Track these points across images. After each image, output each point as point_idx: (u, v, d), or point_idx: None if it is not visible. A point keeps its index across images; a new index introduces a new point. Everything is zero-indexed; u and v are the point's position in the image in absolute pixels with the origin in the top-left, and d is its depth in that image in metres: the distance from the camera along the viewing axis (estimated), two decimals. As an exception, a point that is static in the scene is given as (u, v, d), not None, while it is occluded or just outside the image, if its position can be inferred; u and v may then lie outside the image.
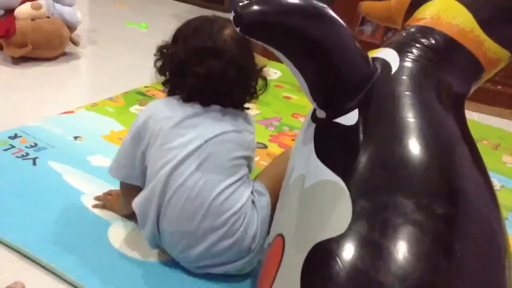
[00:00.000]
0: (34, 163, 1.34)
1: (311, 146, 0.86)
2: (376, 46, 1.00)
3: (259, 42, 0.82)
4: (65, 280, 0.98)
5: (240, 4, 0.76)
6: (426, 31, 0.95)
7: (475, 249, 0.69)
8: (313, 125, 0.89)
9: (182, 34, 1.06)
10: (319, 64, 0.82)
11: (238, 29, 0.78)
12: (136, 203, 1.03)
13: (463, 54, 0.94)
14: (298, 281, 0.69)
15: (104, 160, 1.39)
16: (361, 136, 0.80)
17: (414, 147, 0.76)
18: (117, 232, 1.12)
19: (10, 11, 2.05)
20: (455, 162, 0.78)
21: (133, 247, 1.08)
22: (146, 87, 1.92)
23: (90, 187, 1.27)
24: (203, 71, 1.00)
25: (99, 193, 1.24)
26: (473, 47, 0.94)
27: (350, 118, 0.82)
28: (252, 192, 1.03)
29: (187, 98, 1.04)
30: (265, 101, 2.00)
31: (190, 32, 1.05)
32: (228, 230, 0.98)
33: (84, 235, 1.10)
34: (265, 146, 1.62)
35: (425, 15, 0.99)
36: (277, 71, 2.33)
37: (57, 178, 1.29)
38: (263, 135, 1.69)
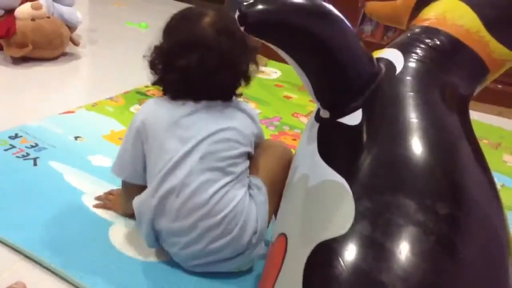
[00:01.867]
0: (35, 163, 1.34)
1: (314, 146, 0.85)
2: (376, 45, 1.00)
3: (263, 41, 0.81)
4: (66, 280, 0.98)
5: (245, 3, 0.76)
6: (431, 31, 0.95)
7: (478, 249, 0.69)
8: (317, 125, 0.89)
9: (166, 30, 1.05)
10: (324, 63, 0.82)
11: (242, 28, 0.77)
12: (136, 202, 1.03)
13: (468, 55, 0.94)
14: (300, 280, 0.69)
15: (104, 159, 1.39)
16: (364, 136, 0.80)
17: (418, 147, 0.76)
18: (118, 232, 1.12)
19: (10, 11, 2.05)
20: (459, 162, 0.78)
21: (134, 247, 1.08)
22: (146, 86, 1.92)
23: (91, 187, 1.27)
24: (184, 64, 0.99)
25: (100, 192, 1.24)
26: (478, 48, 0.93)
27: (354, 118, 0.82)
28: (250, 187, 1.03)
29: (175, 95, 1.03)
30: (266, 100, 2.01)
31: (171, 26, 1.04)
32: (224, 229, 0.97)
33: (85, 235, 1.10)
34: (266, 146, 1.62)
35: (430, 16, 0.99)
36: (277, 71, 2.33)
37: (57, 178, 1.29)
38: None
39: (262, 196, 1.03)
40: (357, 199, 0.72)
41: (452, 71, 0.91)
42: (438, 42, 0.93)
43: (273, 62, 2.40)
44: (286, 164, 1.06)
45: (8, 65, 2.01)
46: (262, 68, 2.35)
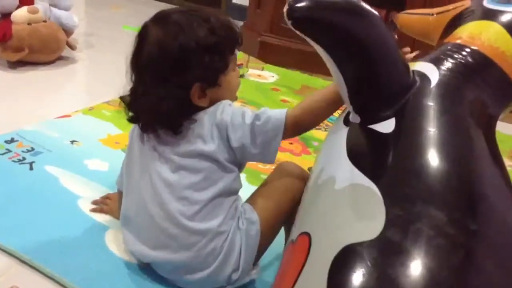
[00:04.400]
0: (31, 168, 1.34)
1: (342, 149, 0.86)
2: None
3: (307, 38, 0.82)
4: (61, 285, 0.98)
5: None
6: (465, 49, 0.96)
7: (505, 265, 0.70)
8: (346, 128, 0.90)
9: None
10: (363, 67, 0.83)
11: (289, 23, 0.78)
12: (120, 219, 1.04)
13: (500, 76, 0.95)
14: (324, 281, 0.69)
15: (101, 164, 1.39)
16: (397, 145, 0.81)
17: (448, 161, 0.78)
18: (115, 236, 1.11)
19: (6, 15, 2.05)
20: (486, 179, 0.80)
21: (131, 251, 1.08)
22: (143, 90, 1.92)
23: (87, 191, 1.26)
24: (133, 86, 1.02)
25: (97, 197, 1.23)
26: (509, 70, 0.95)
27: (387, 126, 0.83)
28: (240, 219, 0.96)
29: (133, 119, 1.02)
30: (262, 104, 2.00)
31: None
32: (203, 262, 0.93)
33: (81, 239, 1.10)
34: (263, 150, 1.62)
35: (464, 34, 1.00)
36: (274, 75, 2.33)
37: (54, 182, 1.29)
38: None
39: (253, 230, 0.96)
40: (388, 206, 0.72)
41: (483, 89, 0.93)
42: (471, 60, 0.94)
43: (270, 66, 2.40)
44: (293, 190, 1.00)
45: (4, 69, 2.00)
46: (259, 72, 2.35)
